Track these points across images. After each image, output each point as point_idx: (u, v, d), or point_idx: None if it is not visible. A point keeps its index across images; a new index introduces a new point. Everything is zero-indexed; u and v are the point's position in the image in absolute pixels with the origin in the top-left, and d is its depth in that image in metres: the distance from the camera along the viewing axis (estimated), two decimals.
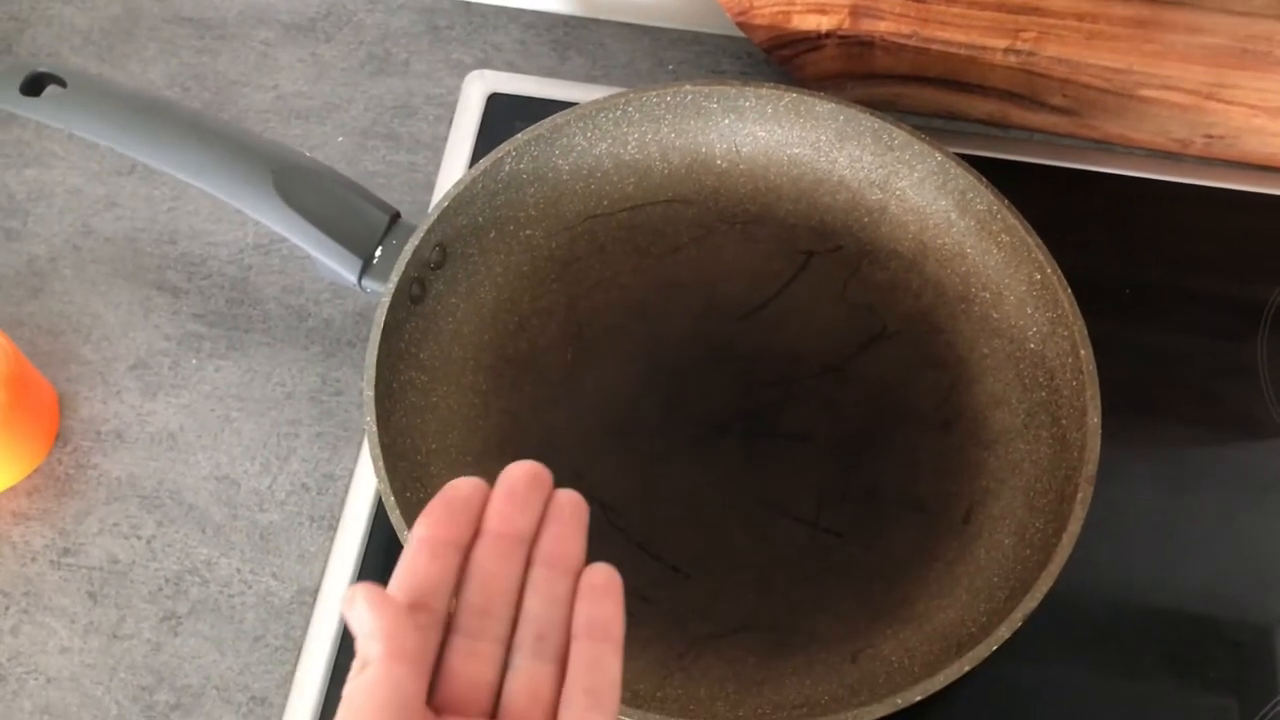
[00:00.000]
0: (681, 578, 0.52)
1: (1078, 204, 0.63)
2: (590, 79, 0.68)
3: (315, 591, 0.53)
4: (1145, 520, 0.55)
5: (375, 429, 0.50)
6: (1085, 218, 0.63)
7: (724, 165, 0.61)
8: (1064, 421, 0.53)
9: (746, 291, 0.59)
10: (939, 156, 0.57)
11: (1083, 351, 0.52)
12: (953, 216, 0.58)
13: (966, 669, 0.46)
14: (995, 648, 0.46)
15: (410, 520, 0.49)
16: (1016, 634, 0.46)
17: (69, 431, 0.57)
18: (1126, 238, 0.62)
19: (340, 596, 0.53)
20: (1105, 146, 0.65)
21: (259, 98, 0.67)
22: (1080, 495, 0.49)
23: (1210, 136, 0.63)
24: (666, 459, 0.55)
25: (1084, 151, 0.65)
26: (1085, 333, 0.52)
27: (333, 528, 0.55)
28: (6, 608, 0.53)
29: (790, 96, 0.59)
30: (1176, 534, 0.55)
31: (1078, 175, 0.64)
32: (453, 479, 0.53)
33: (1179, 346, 0.59)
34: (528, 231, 0.59)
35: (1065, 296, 0.53)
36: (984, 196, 0.56)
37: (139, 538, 0.55)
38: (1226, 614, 0.53)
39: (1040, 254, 0.54)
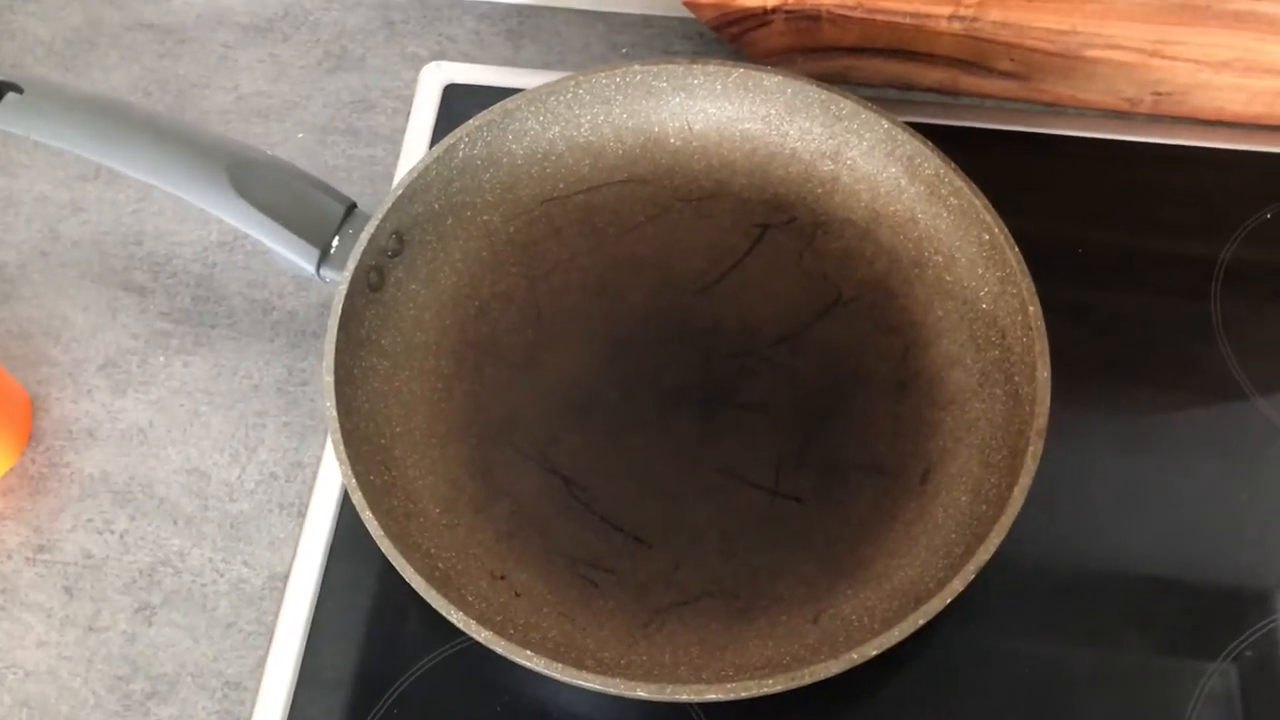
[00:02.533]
0: (644, 548, 0.53)
1: (1031, 167, 0.64)
2: (546, 66, 0.68)
3: (286, 577, 0.54)
4: (1103, 479, 0.56)
5: (335, 415, 0.51)
6: (1038, 180, 0.63)
7: (677, 143, 0.62)
8: (1016, 379, 0.53)
9: (703, 266, 0.60)
10: (886, 124, 0.58)
11: (1031, 308, 0.52)
12: (903, 183, 0.59)
13: (921, 623, 0.46)
14: (949, 600, 0.47)
15: (373, 504, 0.49)
16: (977, 595, 0.47)
17: (41, 432, 0.58)
18: (1079, 198, 0.63)
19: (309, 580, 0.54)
20: (1056, 109, 0.66)
21: (220, 99, 0.68)
22: (1031, 449, 0.49)
23: (1158, 94, 0.63)
24: (628, 433, 0.56)
25: (1035, 115, 0.66)
26: (1033, 290, 0.53)
27: (302, 514, 0.56)
28: None
29: (738, 72, 0.59)
30: (1134, 493, 0.56)
31: (1030, 138, 0.65)
32: (417, 461, 0.54)
33: (1133, 305, 0.60)
34: (485, 217, 0.60)
35: (1013, 255, 0.54)
36: (931, 161, 0.57)
37: (112, 532, 0.56)
38: (1184, 572, 0.54)
39: (988, 215, 0.55)
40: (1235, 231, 0.61)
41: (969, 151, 0.57)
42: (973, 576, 0.47)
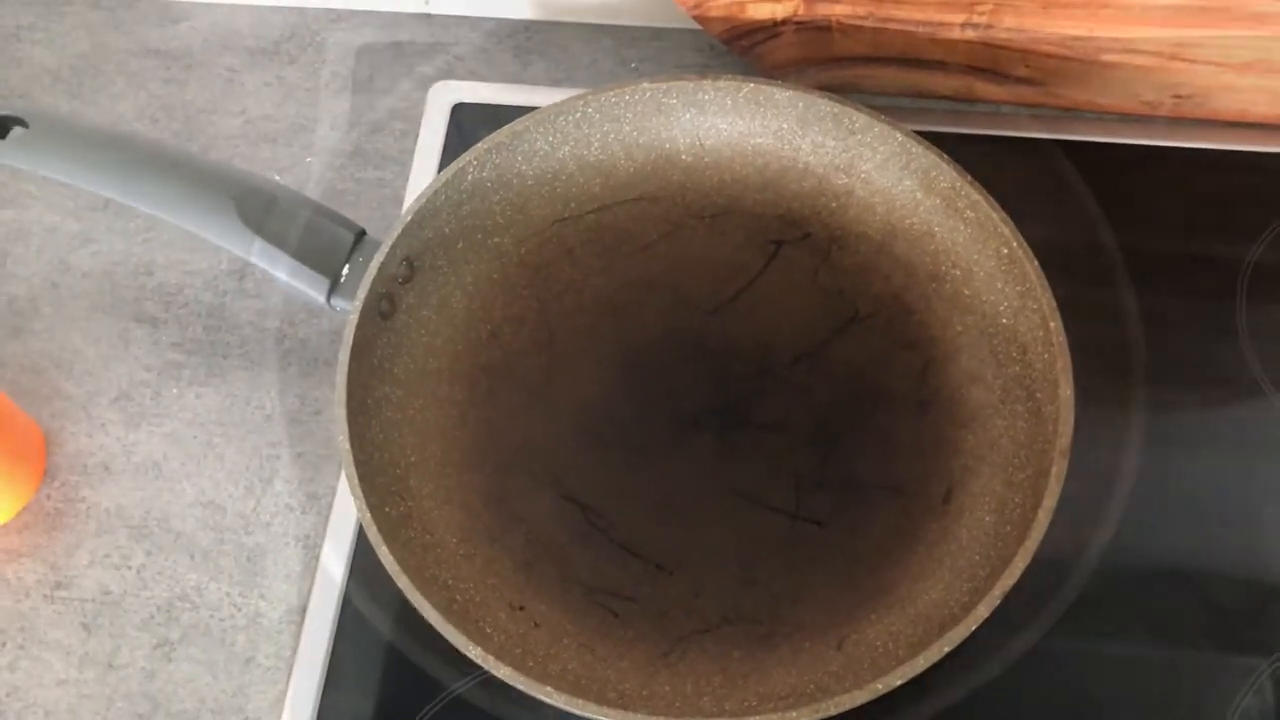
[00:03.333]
0: (664, 575, 0.52)
1: (1048, 173, 0.63)
2: (554, 82, 0.68)
3: (303, 610, 0.54)
4: (1129, 486, 0.55)
5: (349, 447, 0.51)
6: (1056, 187, 0.62)
7: (689, 160, 0.61)
8: (1039, 395, 0.52)
9: (717, 285, 0.59)
10: (900, 136, 0.57)
11: (1052, 324, 0.51)
12: (918, 196, 0.58)
13: (946, 650, 0.46)
14: (974, 627, 0.46)
15: (389, 538, 0.49)
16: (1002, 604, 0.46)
17: (56, 467, 0.58)
18: (1099, 204, 0.61)
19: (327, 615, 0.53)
20: (1074, 114, 0.65)
21: (227, 124, 0.67)
22: (1055, 469, 0.48)
23: (1179, 97, 0.62)
24: (644, 457, 0.55)
25: (1052, 120, 0.64)
26: (1054, 305, 0.52)
27: (318, 547, 0.55)
28: (3, 644, 0.54)
29: (749, 87, 0.59)
30: (1161, 498, 0.55)
31: (1047, 145, 0.63)
32: (432, 490, 0.54)
33: (1156, 310, 0.59)
34: (496, 239, 0.59)
35: (1032, 269, 0.53)
36: (947, 174, 0.56)
37: (129, 567, 0.55)
38: (1214, 575, 0.53)
39: (1006, 228, 0.54)
40: (1262, 234, 0.59)
41: (984, 159, 0.56)
42: (999, 602, 0.46)
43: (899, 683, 0.45)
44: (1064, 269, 0.53)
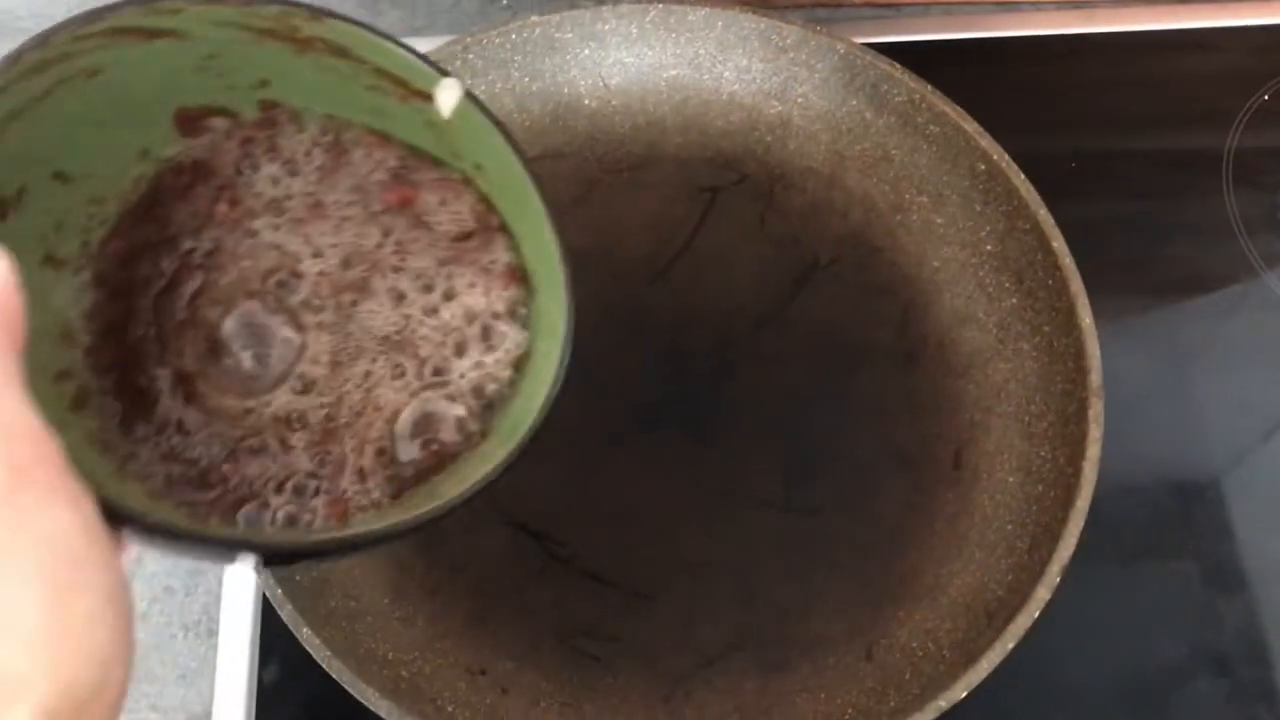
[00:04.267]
0: (646, 603, 0.44)
1: (993, 77, 0.56)
2: (415, 31, 0.57)
3: (207, 718, 0.43)
4: (1146, 398, 0.49)
5: None
6: (1002, 91, 0.55)
7: (593, 105, 0.51)
8: (1045, 329, 0.45)
9: (652, 249, 0.50)
10: (841, 49, 0.49)
11: (1055, 243, 0.44)
12: (868, 116, 0.50)
13: (1010, 646, 0.38)
14: (1037, 614, 0.39)
15: (308, 613, 0.39)
16: None
17: None
18: (1056, 105, 0.55)
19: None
20: (1009, 6, 0.58)
21: None
22: (1091, 412, 0.41)
23: None
24: (599, 465, 0.46)
25: (988, 16, 0.57)
26: (1052, 222, 0.45)
27: (213, 634, 0.44)
28: None
29: (656, 9, 0.49)
30: (1184, 403, 0.49)
31: (986, 45, 0.56)
32: None
33: (1141, 213, 0.52)
34: None
35: (1020, 184, 0.45)
36: (902, 86, 0.48)
37: None
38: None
39: (982, 141, 0.46)
40: (1236, 119, 0.54)
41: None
42: (1058, 579, 0.39)
43: (964, 694, 0.38)
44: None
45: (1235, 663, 0.45)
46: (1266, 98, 0.54)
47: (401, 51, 0.30)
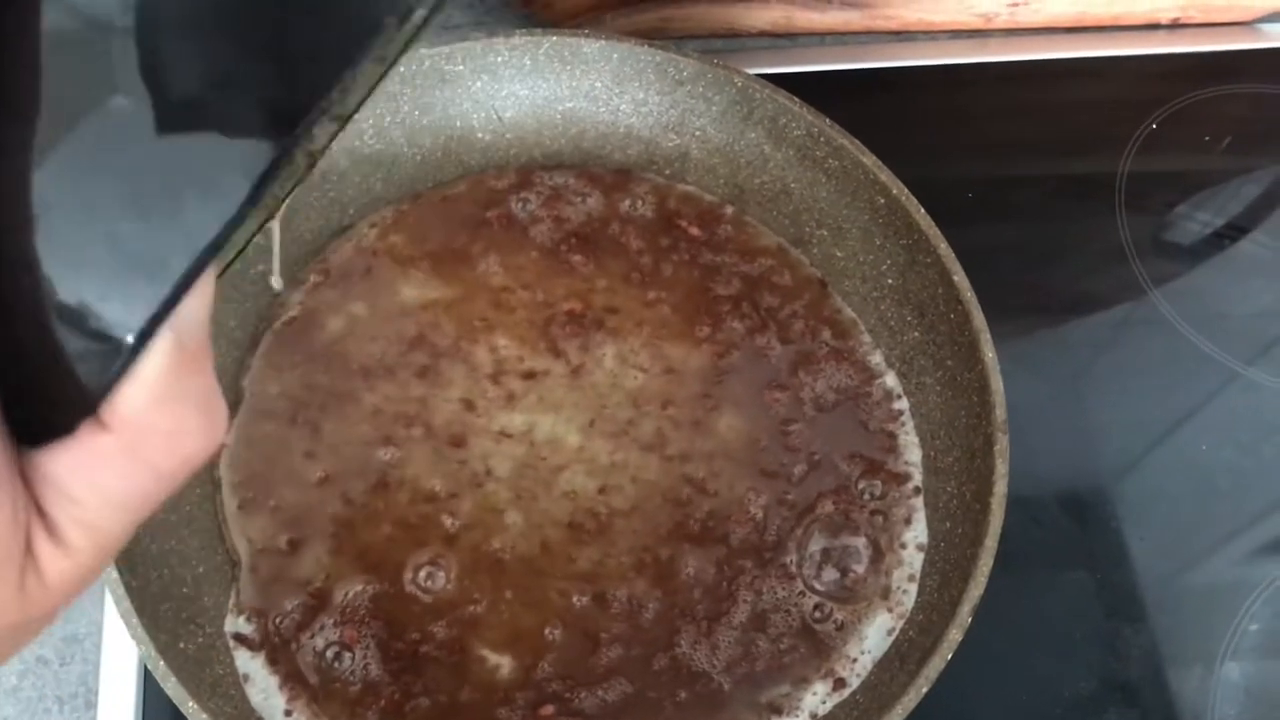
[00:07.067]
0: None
1: (888, 107, 0.56)
2: None
3: None
4: (1047, 418, 0.49)
5: (116, 573, 0.38)
6: (899, 121, 0.55)
7: (487, 138, 0.50)
8: (949, 363, 0.45)
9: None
10: (739, 81, 0.48)
11: (956, 277, 0.44)
12: (766, 149, 0.49)
13: (925, 691, 0.38)
14: (950, 656, 0.38)
15: (193, 685, 0.37)
16: None
17: None
18: (952, 135, 0.55)
19: None
20: (904, 37, 0.58)
21: None
22: (998, 447, 0.41)
23: (1014, 4, 0.56)
24: None
25: (882, 46, 0.58)
26: (953, 256, 0.44)
27: (91, 706, 0.42)
28: None
29: (549, 41, 0.48)
30: (1079, 426, 0.49)
31: (882, 74, 0.56)
32: (241, 608, 0.42)
33: (1036, 237, 0.53)
34: (259, 268, 0.47)
35: (920, 217, 0.45)
36: (800, 119, 0.48)
37: None
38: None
39: (881, 174, 0.46)
40: (1127, 146, 0.54)
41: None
42: (969, 620, 0.39)
43: None
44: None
45: (1140, 691, 0.45)
46: (1155, 126, 0.55)
47: None
